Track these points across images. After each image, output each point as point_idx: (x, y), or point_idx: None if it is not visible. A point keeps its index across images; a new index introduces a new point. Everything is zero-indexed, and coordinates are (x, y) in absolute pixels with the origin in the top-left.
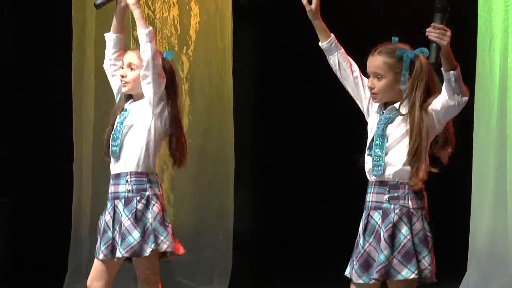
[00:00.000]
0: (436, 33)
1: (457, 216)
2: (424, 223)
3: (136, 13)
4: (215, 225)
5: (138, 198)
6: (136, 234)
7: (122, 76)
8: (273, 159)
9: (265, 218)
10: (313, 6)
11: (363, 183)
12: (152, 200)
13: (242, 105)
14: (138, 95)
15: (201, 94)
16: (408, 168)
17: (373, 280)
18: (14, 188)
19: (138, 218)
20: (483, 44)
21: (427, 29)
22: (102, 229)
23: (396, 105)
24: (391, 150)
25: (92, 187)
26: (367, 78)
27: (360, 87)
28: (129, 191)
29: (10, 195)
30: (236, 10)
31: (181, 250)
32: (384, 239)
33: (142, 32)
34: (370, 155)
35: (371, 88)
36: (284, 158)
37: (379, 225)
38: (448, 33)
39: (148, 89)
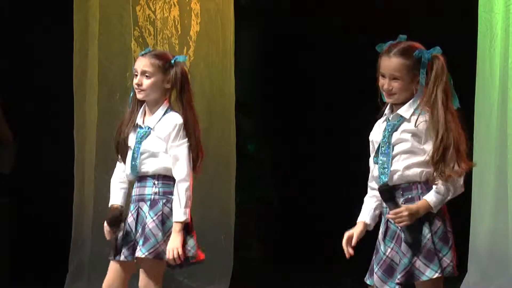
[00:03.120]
0: (397, 218)
1: (457, 216)
2: (443, 220)
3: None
4: (216, 225)
5: (164, 201)
6: (160, 237)
7: (138, 85)
8: (274, 158)
9: (267, 218)
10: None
11: (365, 183)
12: None
13: (244, 105)
14: (152, 101)
15: (202, 94)
16: (417, 169)
17: (398, 286)
18: (14, 188)
19: (164, 221)
20: (483, 44)
21: (388, 218)
22: (124, 231)
23: (400, 110)
24: (396, 157)
25: (94, 186)
26: (382, 78)
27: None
28: (155, 193)
29: (10, 195)
30: (238, 10)
31: (202, 256)
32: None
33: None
34: (376, 162)
35: (388, 90)
36: (285, 158)
37: (399, 229)
38: (405, 212)
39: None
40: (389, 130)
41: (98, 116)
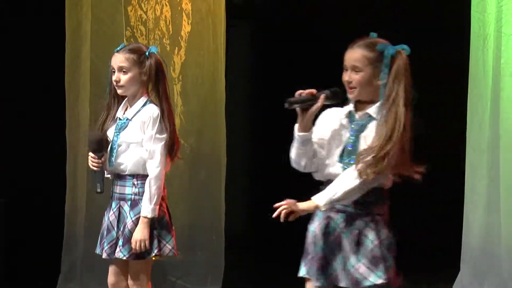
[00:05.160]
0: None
1: (450, 215)
2: (388, 229)
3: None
4: (208, 226)
5: None
6: None
7: (116, 82)
8: (265, 159)
9: (257, 218)
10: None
11: None
12: None
13: (235, 106)
14: (132, 95)
15: (193, 95)
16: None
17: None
18: (9, 188)
19: None
20: (476, 45)
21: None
22: (105, 228)
23: (370, 110)
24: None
25: (86, 186)
26: (345, 71)
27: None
28: (135, 194)
29: (5, 195)
30: (229, 10)
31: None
32: (349, 245)
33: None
34: (340, 162)
35: (348, 82)
36: (276, 158)
37: (341, 229)
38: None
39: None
40: (357, 129)
41: (91, 116)
